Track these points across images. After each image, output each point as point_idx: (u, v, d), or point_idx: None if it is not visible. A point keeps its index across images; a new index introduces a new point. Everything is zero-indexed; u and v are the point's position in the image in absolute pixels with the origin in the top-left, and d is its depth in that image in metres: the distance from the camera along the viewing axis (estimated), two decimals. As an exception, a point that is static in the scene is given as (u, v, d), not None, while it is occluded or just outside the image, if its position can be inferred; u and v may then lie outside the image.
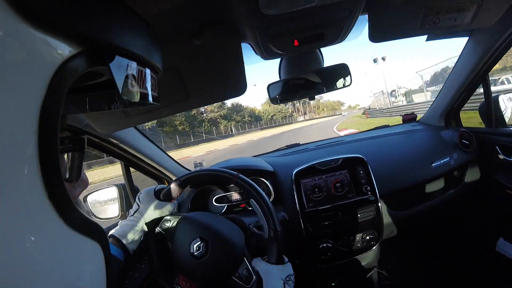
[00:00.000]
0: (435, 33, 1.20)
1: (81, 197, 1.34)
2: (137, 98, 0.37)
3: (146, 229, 0.85)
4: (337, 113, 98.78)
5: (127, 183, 1.42)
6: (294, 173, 1.31)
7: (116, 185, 1.43)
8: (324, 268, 1.34)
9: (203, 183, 1.43)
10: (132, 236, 0.81)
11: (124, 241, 0.78)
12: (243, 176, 0.90)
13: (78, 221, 0.31)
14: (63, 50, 0.28)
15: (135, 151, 1.33)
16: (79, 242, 0.31)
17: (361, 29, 1.16)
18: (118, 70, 0.34)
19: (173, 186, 0.91)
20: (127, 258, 0.77)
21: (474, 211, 1.63)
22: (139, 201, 0.89)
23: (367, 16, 0.98)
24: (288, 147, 1.92)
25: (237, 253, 0.83)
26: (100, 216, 1.43)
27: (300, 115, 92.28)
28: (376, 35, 1.02)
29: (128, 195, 1.41)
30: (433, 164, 1.41)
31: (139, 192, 0.91)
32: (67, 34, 0.28)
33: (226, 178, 0.93)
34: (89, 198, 1.43)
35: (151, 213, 0.87)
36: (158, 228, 0.88)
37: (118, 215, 1.41)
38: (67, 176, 0.40)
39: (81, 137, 0.40)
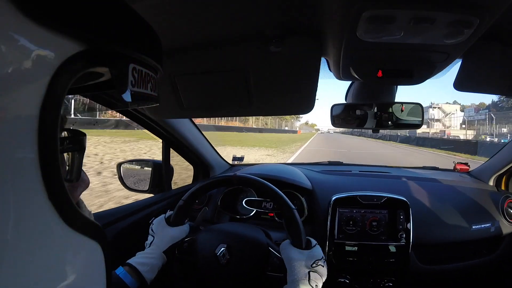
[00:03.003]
0: None
1: (113, 163, 1.36)
2: (137, 98, 0.37)
3: (165, 257, 0.85)
4: (287, 128, 60.28)
5: (164, 162, 1.42)
6: (333, 199, 1.26)
7: (153, 161, 1.44)
8: None
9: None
10: (151, 265, 0.79)
11: (142, 269, 0.77)
12: (241, 173, 0.88)
13: (78, 222, 0.31)
14: (64, 50, 0.27)
15: (179, 136, 1.33)
16: (79, 242, 0.31)
17: (448, 69, 1.07)
18: (118, 71, 0.34)
19: (179, 208, 0.90)
20: (141, 287, 0.76)
21: (502, 286, 1.52)
22: (153, 232, 0.88)
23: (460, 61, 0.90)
24: (330, 163, 1.86)
25: (260, 246, 0.83)
26: (129, 186, 1.46)
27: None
28: (463, 84, 0.95)
29: (162, 173, 1.42)
30: (473, 227, 1.32)
31: (151, 224, 0.91)
32: (67, 34, 0.27)
33: (227, 182, 0.92)
34: (122, 166, 1.46)
35: (167, 241, 0.86)
36: (177, 253, 0.87)
37: (148, 190, 1.43)
38: (67, 176, 0.40)
39: (81, 137, 0.40)
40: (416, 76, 0.89)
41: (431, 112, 40.40)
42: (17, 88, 0.24)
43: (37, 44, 0.25)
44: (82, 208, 0.44)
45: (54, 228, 0.28)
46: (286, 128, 60.41)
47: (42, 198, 0.27)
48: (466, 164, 1.72)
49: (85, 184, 0.46)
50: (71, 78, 0.29)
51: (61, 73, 0.27)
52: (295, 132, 53.05)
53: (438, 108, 40.90)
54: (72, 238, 0.30)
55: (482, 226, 1.33)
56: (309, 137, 31.11)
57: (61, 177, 0.29)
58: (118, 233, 1.05)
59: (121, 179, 1.46)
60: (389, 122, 1.08)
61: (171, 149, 1.43)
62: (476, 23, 0.58)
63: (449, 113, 37.39)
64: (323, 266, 0.77)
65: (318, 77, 0.91)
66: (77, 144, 0.39)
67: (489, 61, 0.85)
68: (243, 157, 1.73)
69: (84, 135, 0.40)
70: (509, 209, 1.38)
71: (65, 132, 0.40)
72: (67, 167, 0.40)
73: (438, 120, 37.28)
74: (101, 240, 0.34)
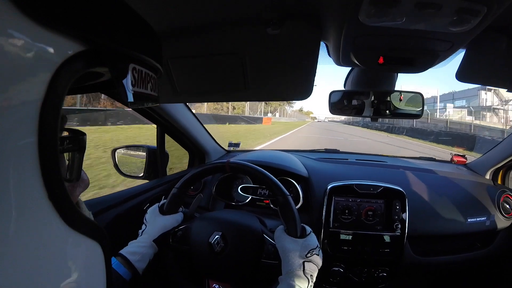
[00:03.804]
0: None
1: (109, 148, 1.35)
2: (137, 98, 0.37)
3: (156, 247, 0.84)
4: (270, 115, 40.81)
5: (159, 148, 1.40)
6: (329, 187, 1.25)
7: (148, 147, 1.43)
8: None
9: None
10: (141, 254, 0.79)
11: (132, 259, 0.76)
12: (234, 160, 0.87)
13: (78, 221, 0.31)
14: (64, 50, 0.27)
15: (174, 121, 1.30)
16: (79, 242, 0.31)
17: (450, 59, 1.05)
18: (118, 71, 0.34)
19: (172, 196, 0.90)
20: (134, 277, 0.76)
21: (495, 280, 1.53)
22: (146, 221, 0.88)
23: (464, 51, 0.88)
24: (327, 151, 1.85)
25: (254, 234, 0.83)
26: (124, 172, 1.44)
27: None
28: (466, 75, 0.93)
29: (156, 159, 1.41)
30: (468, 220, 1.32)
31: (146, 213, 0.90)
32: (68, 34, 0.27)
33: (219, 168, 0.92)
34: (117, 152, 1.44)
35: (158, 230, 0.85)
36: (171, 241, 0.86)
37: (142, 175, 1.42)
38: (67, 176, 0.40)
39: (81, 137, 0.40)
40: (418, 64, 0.86)
41: (483, 97, 26.36)
42: (17, 87, 0.24)
43: (38, 43, 0.25)
44: (82, 208, 0.43)
45: (54, 227, 0.28)
46: (268, 115, 39.18)
47: (42, 197, 0.27)
48: (463, 156, 1.71)
49: (85, 184, 0.46)
50: (72, 78, 0.29)
51: (62, 73, 0.27)
52: (258, 120, 27.84)
53: (494, 91, 25.35)
54: (72, 237, 0.30)
55: (478, 219, 1.33)
56: (279, 132, 17.58)
57: (61, 177, 0.29)
58: (112, 219, 1.04)
59: (115, 165, 1.44)
60: (387, 111, 1.06)
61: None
62: (483, 12, 0.56)
63: (509, 100, 23.36)
64: (318, 255, 0.76)
65: (317, 62, 0.88)
66: (77, 144, 0.39)
67: (494, 53, 0.83)
68: (239, 143, 1.71)
69: (84, 134, 0.40)
70: (505, 204, 1.38)
71: (65, 132, 0.40)
72: (67, 167, 0.40)
73: (495, 110, 23.42)
74: (101, 240, 0.34)
